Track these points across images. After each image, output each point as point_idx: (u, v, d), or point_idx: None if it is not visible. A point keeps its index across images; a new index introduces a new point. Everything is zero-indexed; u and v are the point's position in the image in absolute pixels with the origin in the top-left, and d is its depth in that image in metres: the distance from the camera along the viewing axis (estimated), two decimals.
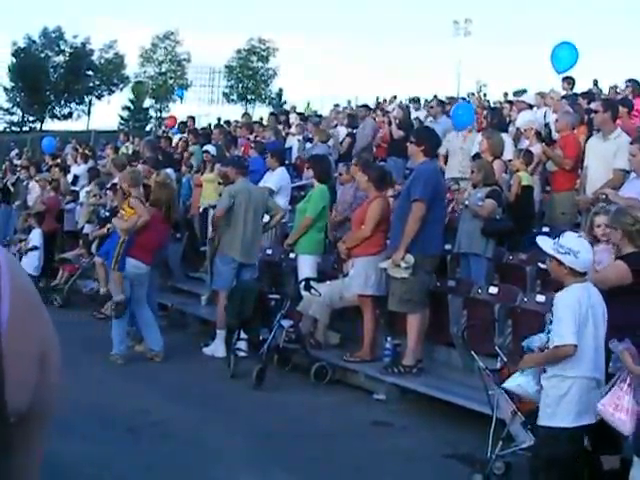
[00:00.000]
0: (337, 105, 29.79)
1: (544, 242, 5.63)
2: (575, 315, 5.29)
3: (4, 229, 18.14)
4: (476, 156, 11.15)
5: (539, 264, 9.65)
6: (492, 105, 20.82)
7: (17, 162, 23.06)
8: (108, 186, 12.97)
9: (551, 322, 5.49)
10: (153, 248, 10.05)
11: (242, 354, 9.43)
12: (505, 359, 6.68)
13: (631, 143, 8.63)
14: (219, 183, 12.14)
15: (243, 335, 9.39)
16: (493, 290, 8.78)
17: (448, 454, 7.08)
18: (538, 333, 7.23)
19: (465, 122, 12.59)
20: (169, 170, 13.13)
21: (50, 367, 1.61)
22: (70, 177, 16.97)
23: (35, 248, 13.35)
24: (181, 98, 64.21)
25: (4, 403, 1.45)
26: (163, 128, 25.94)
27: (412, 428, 7.85)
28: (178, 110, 54.05)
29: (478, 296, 8.84)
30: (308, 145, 17.48)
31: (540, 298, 8.30)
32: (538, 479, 5.55)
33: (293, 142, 18.45)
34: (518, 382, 5.74)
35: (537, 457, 5.64)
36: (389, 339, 9.08)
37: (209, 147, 15.59)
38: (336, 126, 18.76)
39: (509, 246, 10.07)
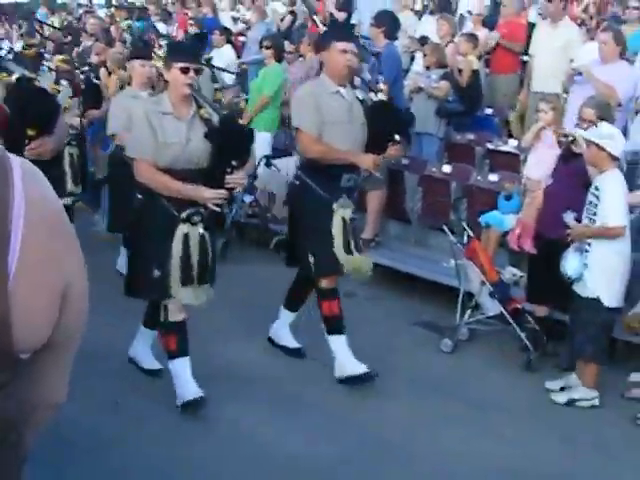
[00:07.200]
0: None
1: (582, 132, 6.17)
2: (624, 197, 5.81)
3: None
4: (423, 38, 11.30)
5: (487, 144, 10.05)
6: None
7: None
8: None
9: (590, 203, 5.89)
10: None
11: None
12: (471, 233, 7.10)
13: (602, 31, 8.78)
14: None
15: None
16: (447, 169, 9.07)
17: (415, 322, 7.54)
18: (492, 210, 7.88)
19: None
20: None
21: (74, 297, 1.44)
22: None
23: None
24: None
25: (10, 346, 1.32)
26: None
27: (377, 299, 8.15)
28: None
29: (433, 174, 9.18)
30: (241, 24, 17.28)
31: (493, 177, 8.67)
32: (575, 340, 6.02)
33: (225, 19, 18.12)
34: (574, 267, 5.97)
35: (576, 319, 6.07)
36: None
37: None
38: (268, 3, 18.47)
39: (456, 126, 10.38)
